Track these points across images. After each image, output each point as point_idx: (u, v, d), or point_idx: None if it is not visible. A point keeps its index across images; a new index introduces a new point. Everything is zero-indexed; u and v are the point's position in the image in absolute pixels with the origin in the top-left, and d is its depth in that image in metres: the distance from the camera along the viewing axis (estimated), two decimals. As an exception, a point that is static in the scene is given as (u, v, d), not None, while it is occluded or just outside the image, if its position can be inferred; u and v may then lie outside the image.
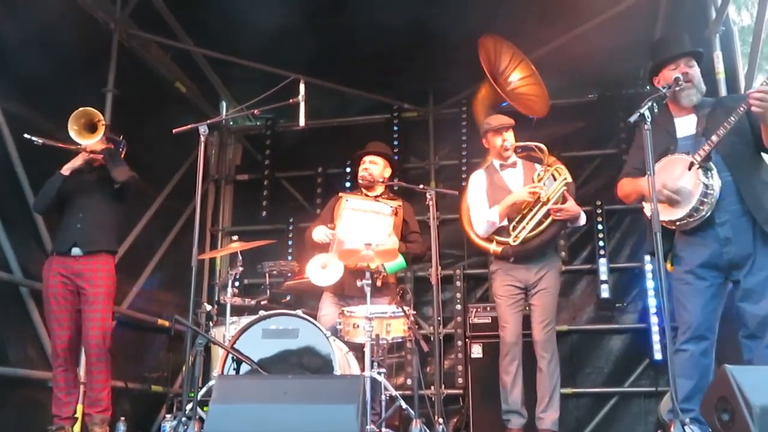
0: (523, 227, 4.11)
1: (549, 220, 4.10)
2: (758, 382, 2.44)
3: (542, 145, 4.25)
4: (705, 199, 3.12)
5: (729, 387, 2.43)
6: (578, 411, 5.91)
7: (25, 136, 3.97)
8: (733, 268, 3.19)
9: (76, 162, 4.04)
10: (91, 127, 4.02)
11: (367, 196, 4.47)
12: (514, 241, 4.11)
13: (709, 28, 4.78)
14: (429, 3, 5.32)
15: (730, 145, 3.15)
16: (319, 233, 4.27)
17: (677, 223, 3.22)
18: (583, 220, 4.29)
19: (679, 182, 3.16)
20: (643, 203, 3.37)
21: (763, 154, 3.32)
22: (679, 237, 3.30)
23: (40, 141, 3.95)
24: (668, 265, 3.35)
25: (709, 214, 3.15)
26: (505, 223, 4.19)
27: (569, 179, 4.20)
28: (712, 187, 3.12)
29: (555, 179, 4.21)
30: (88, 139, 4.00)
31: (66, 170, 4.02)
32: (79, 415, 4.07)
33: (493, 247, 4.22)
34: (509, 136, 4.31)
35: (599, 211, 6.18)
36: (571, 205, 4.13)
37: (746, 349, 3.14)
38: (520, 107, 5.04)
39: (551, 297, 4.17)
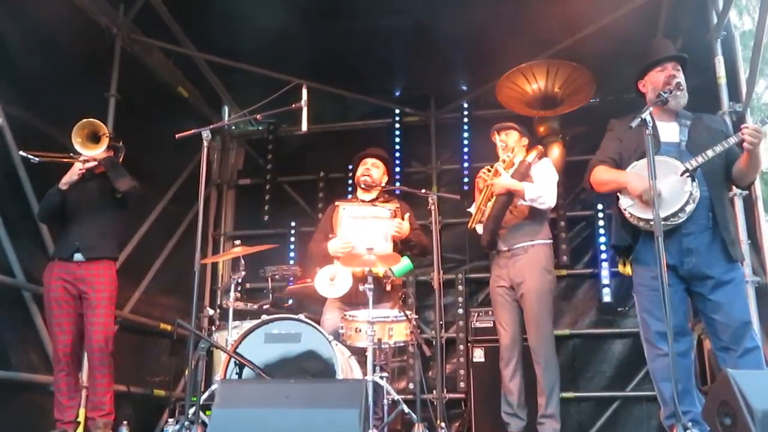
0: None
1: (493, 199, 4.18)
2: (760, 387, 2.45)
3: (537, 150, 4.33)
4: (686, 207, 3.15)
5: (731, 391, 2.44)
6: (580, 415, 5.91)
7: (21, 153, 4.03)
8: (693, 279, 3.23)
9: (72, 176, 4.04)
10: (94, 138, 4.04)
11: (363, 201, 4.45)
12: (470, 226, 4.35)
13: (711, 32, 4.78)
14: (430, 7, 5.33)
15: (711, 163, 3.21)
16: (335, 247, 4.14)
17: (650, 223, 3.19)
18: (529, 194, 4.07)
19: (665, 185, 3.16)
20: (620, 196, 3.36)
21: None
22: (644, 239, 3.30)
23: (37, 159, 3.98)
24: (624, 267, 3.41)
25: (682, 221, 3.18)
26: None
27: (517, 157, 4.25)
28: (695, 198, 3.16)
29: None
30: (91, 150, 4.01)
31: (63, 185, 4.04)
32: (81, 419, 4.07)
33: None
34: (506, 138, 4.37)
35: (601, 215, 6.18)
36: (498, 179, 4.13)
37: (720, 361, 3.16)
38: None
39: (536, 300, 4.05)
